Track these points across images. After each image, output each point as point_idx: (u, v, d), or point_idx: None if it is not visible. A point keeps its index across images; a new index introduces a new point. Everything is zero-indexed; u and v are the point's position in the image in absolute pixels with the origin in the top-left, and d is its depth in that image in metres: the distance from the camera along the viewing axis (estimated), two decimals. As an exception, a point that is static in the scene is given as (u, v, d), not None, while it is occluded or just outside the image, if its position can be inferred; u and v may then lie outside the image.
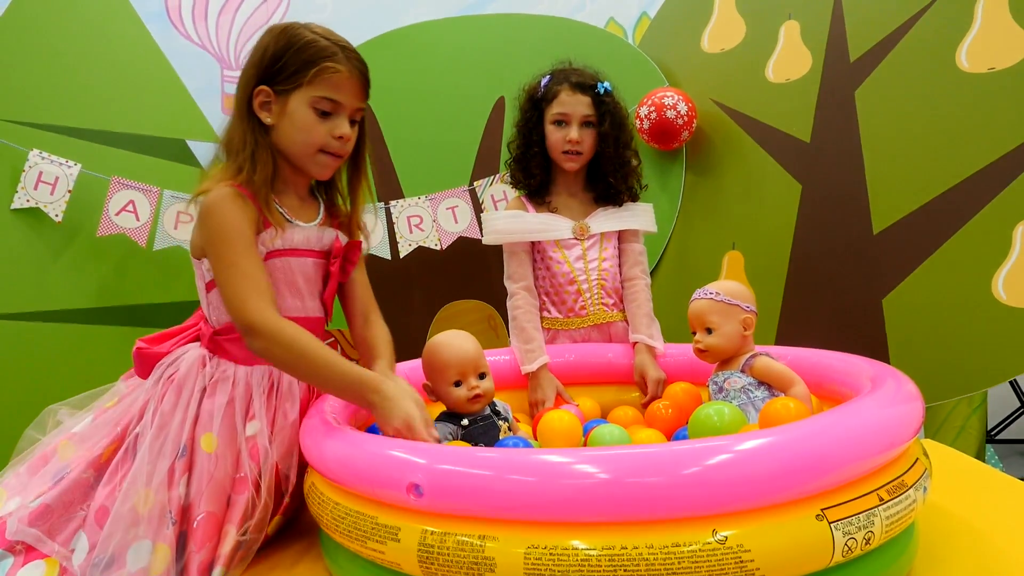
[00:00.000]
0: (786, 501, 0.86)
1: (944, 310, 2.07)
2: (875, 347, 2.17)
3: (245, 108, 1.21)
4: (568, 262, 1.79)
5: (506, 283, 1.82)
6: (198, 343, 1.24)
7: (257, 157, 1.19)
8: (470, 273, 2.78)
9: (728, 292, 1.40)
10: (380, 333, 1.36)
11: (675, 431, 1.40)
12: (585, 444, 1.34)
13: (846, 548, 0.86)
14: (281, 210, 1.24)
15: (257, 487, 1.13)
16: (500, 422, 1.37)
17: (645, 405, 1.61)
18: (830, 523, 0.86)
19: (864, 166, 2.20)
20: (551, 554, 0.83)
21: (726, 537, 0.82)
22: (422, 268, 2.72)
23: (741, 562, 0.82)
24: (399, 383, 1.16)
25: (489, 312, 2.83)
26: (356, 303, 1.38)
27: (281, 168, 1.25)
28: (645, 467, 0.84)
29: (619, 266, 1.84)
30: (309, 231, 1.27)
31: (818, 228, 2.28)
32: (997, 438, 3.42)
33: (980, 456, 2.61)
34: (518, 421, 1.56)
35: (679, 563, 0.81)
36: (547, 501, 0.85)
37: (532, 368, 1.69)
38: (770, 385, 1.36)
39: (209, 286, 1.22)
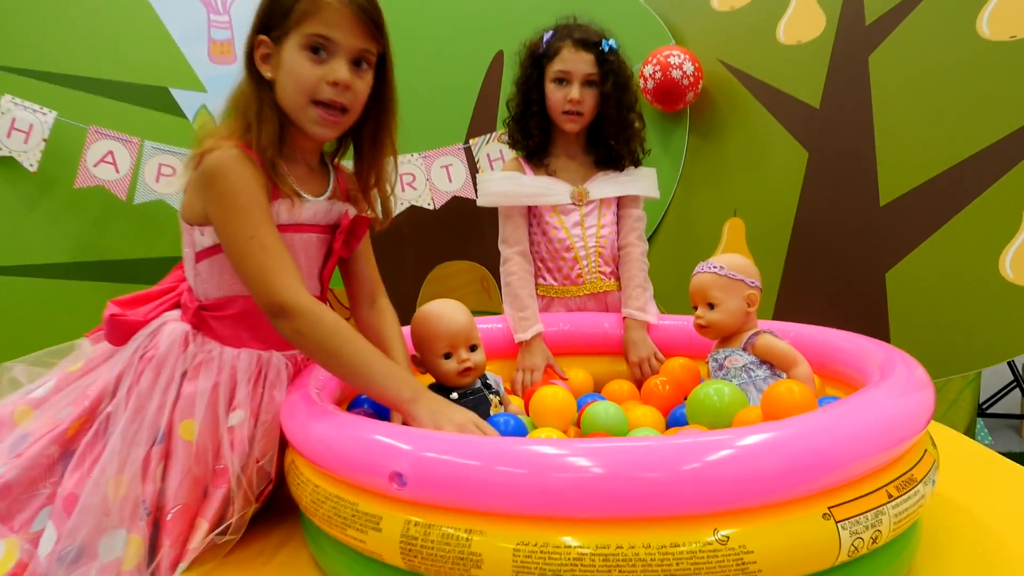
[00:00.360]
0: (791, 499, 0.81)
1: (948, 287, 2.02)
2: (876, 322, 2.13)
3: (249, 62, 1.11)
4: (565, 228, 1.72)
5: (500, 247, 1.76)
6: (177, 311, 1.16)
7: (263, 116, 1.08)
8: (463, 233, 2.71)
9: (733, 266, 1.34)
10: (392, 328, 1.26)
11: (672, 408, 1.36)
12: (579, 421, 1.29)
13: (852, 548, 0.82)
14: (290, 180, 1.12)
15: (237, 482, 1.06)
16: (491, 396, 1.32)
17: (638, 385, 1.56)
18: (837, 522, 0.81)
19: (874, 135, 2.12)
20: (542, 551, 0.78)
21: (727, 537, 0.78)
22: (414, 228, 2.65)
23: (743, 563, 0.77)
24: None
25: (482, 273, 2.77)
26: (362, 283, 1.29)
27: (288, 133, 1.13)
28: (643, 462, 0.79)
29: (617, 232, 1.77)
30: (318, 206, 1.17)
31: (823, 197, 2.22)
32: (988, 412, 3.42)
33: (971, 429, 2.60)
34: (510, 393, 1.51)
35: (677, 564, 0.77)
36: (538, 495, 0.80)
37: (526, 337, 1.64)
38: (772, 364, 1.31)
39: (200, 256, 1.12)
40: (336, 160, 1.26)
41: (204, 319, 1.13)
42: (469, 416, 1.03)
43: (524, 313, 1.66)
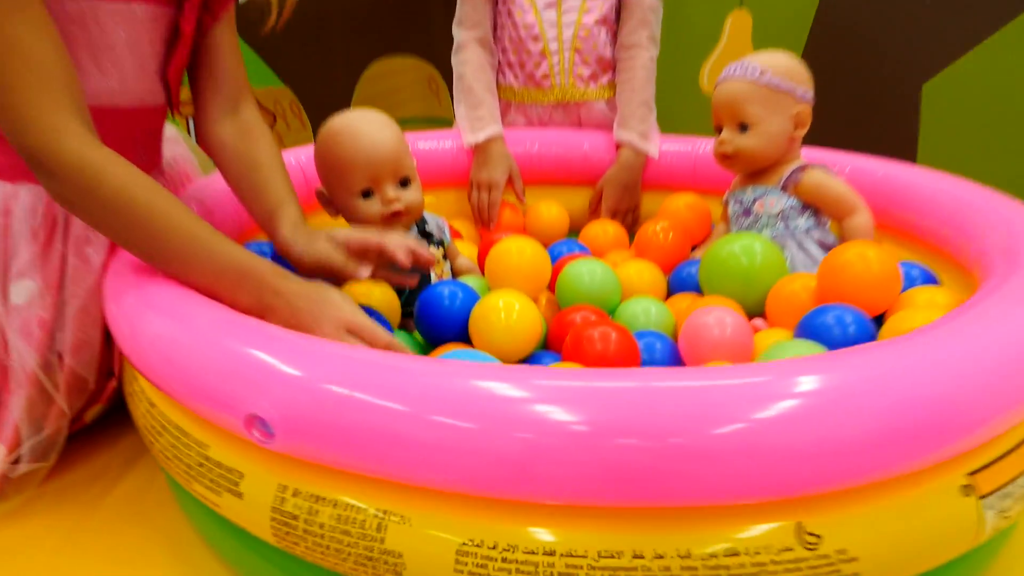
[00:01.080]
0: (915, 471, 0.49)
1: (996, 103, 1.67)
2: (902, 142, 1.79)
3: None
4: (535, 10, 1.29)
5: (454, 31, 1.33)
6: None
7: None
8: (406, 22, 2.24)
9: (779, 71, 0.94)
10: (266, 152, 0.83)
11: (676, 266, 1.02)
12: (553, 284, 0.95)
13: (994, 529, 0.52)
14: None
15: (36, 386, 0.72)
16: (433, 248, 0.96)
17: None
18: (980, 498, 0.50)
19: None
20: (504, 558, 0.47)
21: (819, 537, 0.46)
22: (343, 14, 2.14)
23: (838, 577, 0.47)
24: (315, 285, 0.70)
25: (429, 72, 2.35)
26: (220, 84, 0.83)
27: None
28: (660, 415, 0.45)
29: (616, 26, 1.33)
30: None
31: (856, -16, 1.78)
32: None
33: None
34: (459, 237, 1.15)
35: (733, 583, 0.46)
36: (494, 464, 0.46)
37: (478, 139, 1.26)
38: (818, 209, 0.96)
39: None
40: None
41: None
42: (345, 314, 0.66)
43: (478, 112, 1.27)
